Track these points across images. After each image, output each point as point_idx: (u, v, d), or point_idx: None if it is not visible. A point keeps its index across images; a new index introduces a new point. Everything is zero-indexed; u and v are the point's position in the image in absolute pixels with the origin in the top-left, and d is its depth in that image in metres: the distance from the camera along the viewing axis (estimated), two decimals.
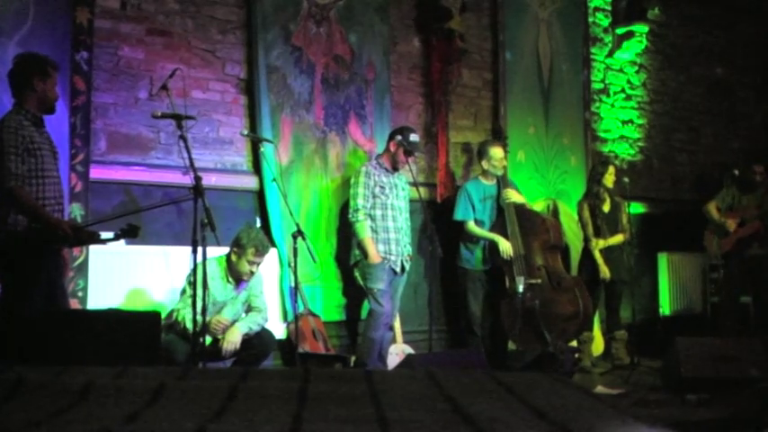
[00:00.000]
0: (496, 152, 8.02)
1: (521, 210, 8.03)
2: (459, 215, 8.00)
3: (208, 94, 7.16)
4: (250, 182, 7.30)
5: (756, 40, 11.68)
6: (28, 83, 5.30)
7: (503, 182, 8.04)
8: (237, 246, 6.25)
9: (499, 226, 7.97)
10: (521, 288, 7.40)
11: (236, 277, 6.35)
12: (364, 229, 7.14)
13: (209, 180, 6.85)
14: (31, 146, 5.19)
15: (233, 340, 6.22)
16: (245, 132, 7.09)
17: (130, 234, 5.45)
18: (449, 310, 8.50)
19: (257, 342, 6.36)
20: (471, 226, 7.96)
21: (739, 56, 11.62)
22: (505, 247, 7.81)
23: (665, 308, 10.23)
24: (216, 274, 6.29)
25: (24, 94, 5.30)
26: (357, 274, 7.29)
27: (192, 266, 5.74)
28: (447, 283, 8.38)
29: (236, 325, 6.31)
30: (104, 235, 5.46)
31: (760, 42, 11.65)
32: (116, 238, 5.48)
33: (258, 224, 7.13)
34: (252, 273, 6.34)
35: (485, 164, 8.05)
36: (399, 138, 7.26)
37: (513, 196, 8.01)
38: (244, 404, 3.02)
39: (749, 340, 7.16)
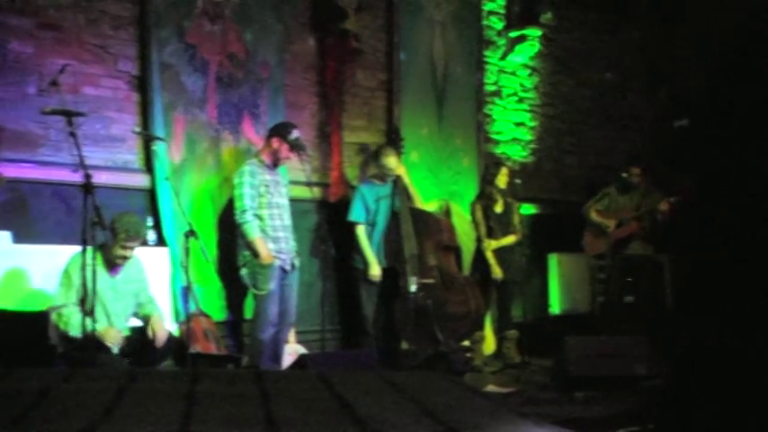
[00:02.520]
0: (390, 161, 8.09)
1: (415, 210, 8.13)
2: (352, 216, 8.05)
3: (99, 91, 7.07)
4: (142, 180, 7.23)
5: (644, 46, 11.97)
6: None
7: (397, 180, 8.14)
8: (110, 230, 6.11)
9: (394, 226, 8.04)
10: (413, 288, 7.49)
11: (110, 261, 6.27)
12: (254, 230, 7.07)
13: (99, 178, 6.75)
14: None
15: (162, 329, 6.22)
16: (138, 130, 7.02)
17: None
18: (342, 310, 8.54)
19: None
20: (360, 232, 8.03)
21: (628, 61, 11.89)
22: (374, 271, 7.94)
23: (555, 307, 10.40)
24: (98, 267, 6.21)
25: None
26: (244, 274, 7.20)
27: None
28: (340, 283, 8.42)
29: (155, 316, 6.30)
30: None
31: (647, 48, 11.94)
32: None
33: (150, 223, 7.05)
34: (125, 257, 6.26)
35: (377, 168, 8.16)
36: (288, 136, 7.21)
37: (399, 169, 8.18)
38: (132, 405, 3.01)
39: (635, 338, 7.36)
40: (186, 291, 6.75)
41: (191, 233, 6.42)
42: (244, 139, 7.84)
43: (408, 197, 8.17)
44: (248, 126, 7.86)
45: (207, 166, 7.57)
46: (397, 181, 8.13)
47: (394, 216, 8.11)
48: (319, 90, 8.56)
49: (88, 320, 5.60)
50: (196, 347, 6.76)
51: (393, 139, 8.43)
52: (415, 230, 7.99)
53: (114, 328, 6.08)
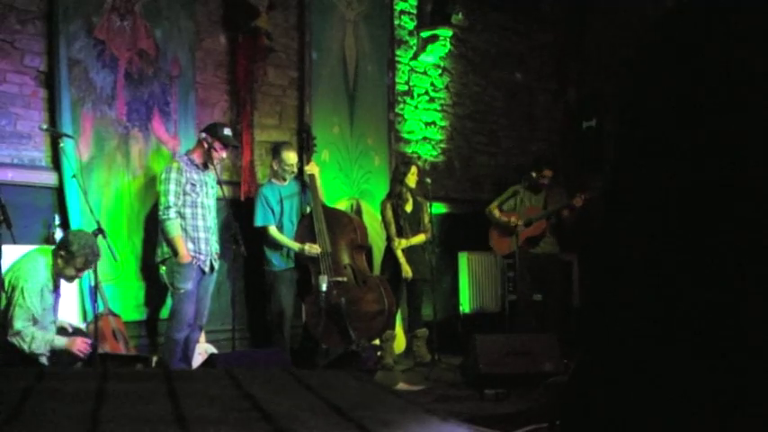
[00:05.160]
0: (289, 157, 8.10)
1: (328, 209, 8.17)
2: (259, 221, 8.03)
3: (5, 87, 6.97)
4: (49, 178, 7.14)
5: (553, 48, 12.17)
6: None
7: (311, 180, 8.16)
8: (66, 251, 6.09)
9: (306, 225, 8.08)
10: (324, 287, 7.51)
11: (57, 278, 6.22)
12: (175, 227, 7.12)
13: (5, 175, 6.73)
14: None
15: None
16: (45, 127, 6.92)
17: None
18: (253, 310, 8.54)
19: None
20: (273, 231, 8.03)
21: (537, 62, 12.08)
22: (313, 248, 7.93)
23: (465, 306, 10.50)
24: (48, 283, 6.13)
25: None
26: (163, 271, 7.25)
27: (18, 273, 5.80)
28: (251, 282, 8.43)
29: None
30: None
31: (556, 50, 12.15)
32: None
33: (57, 221, 6.98)
34: (75, 278, 6.28)
35: (275, 165, 8.15)
36: (213, 134, 7.30)
37: (313, 168, 8.22)
38: (39, 405, 2.99)
39: (544, 336, 7.50)
40: (94, 290, 6.66)
41: (99, 231, 6.40)
42: (153, 136, 7.79)
43: (319, 196, 8.18)
44: (158, 124, 7.82)
45: (116, 164, 7.51)
46: (311, 180, 8.16)
47: (307, 215, 8.15)
48: (230, 88, 8.54)
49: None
50: (104, 347, 6.72)
51: (305, 139, 8.43)
52: (329, 229, 8.02)
53: (79, 338, 6.22)
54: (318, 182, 8.22)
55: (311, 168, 8.18)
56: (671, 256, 1.38)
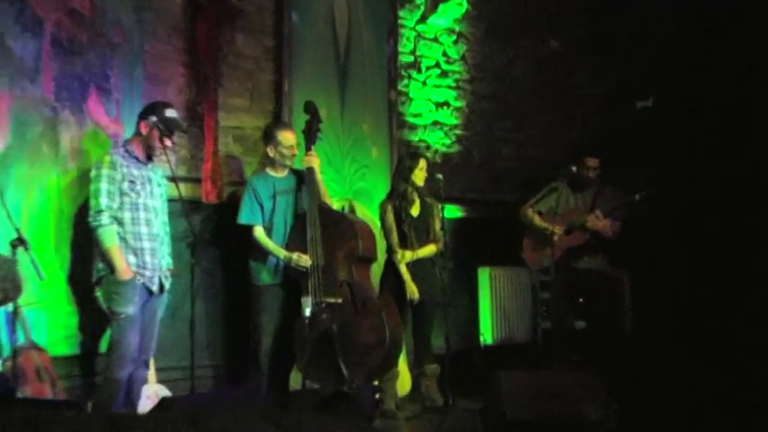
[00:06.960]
0: (287, 137, 8.05)
1: (326, 211, 8.05)
2: (243, 218, 7.96)
3: None
4: None
5: (591, 8, 11.96)
6: None
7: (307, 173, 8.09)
8: None
9: (299, 229, 7.98)
10: (307, 312, 7.34)
11: None
12: (110, 236, 6.98)
13: None
14: None
15: None
16: None
17: None
18: (219, 341, 8.50)
19: None
20: (258, 233, 7.96)
21: (574, 25, 11.90)
22: (302, 258, 7.83)
23: (487, 335, 10.53)
24: None
25: None
26: (99, 294, 7.12)
27: None
28: (217, 305, 8.42)
29: None
30: None
31: (594, 10, 11.92)
32: None
33: None
34: None
35: (271, 151, 8.07)
36: (153, 118, 7.15)
37: (312, 160, 8.13)
38: None
39: (584, 374, 7.44)
40: (13, 317, 6.53)
41: (19, 242, 6.31)
42: (90, 120, 7.72)
43: (318, 195, 8.05)
44: (96, 104, 7.75)
45: (42, 156, 7.42)
46: (309, 174, 8.06)
47: (299, 218, 8.04)
48: (189, 59, 8.46)
49: None
50: (25, 390, 6.57)
51: (310, 120, 8.28)
52: (324, 235, 7.89)
53: None
54: (319, 177, 8.15)
55: (310, 160, 8.06)
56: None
